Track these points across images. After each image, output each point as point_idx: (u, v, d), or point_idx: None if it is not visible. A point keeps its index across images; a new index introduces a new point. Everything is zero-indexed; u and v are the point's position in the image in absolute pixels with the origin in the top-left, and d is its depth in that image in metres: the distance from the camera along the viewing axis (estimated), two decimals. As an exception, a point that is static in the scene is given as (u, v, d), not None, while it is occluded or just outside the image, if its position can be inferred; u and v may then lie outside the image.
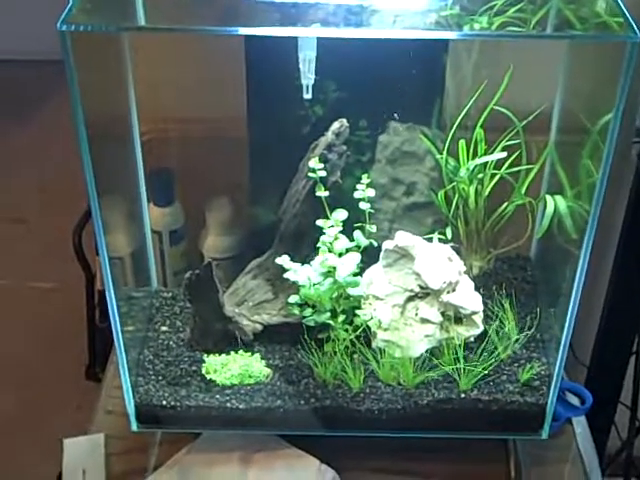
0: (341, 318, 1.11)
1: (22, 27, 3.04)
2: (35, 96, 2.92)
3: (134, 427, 1.14)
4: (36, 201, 2.58)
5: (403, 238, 1.11)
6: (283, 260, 1.10)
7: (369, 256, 1.14)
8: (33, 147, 2.79)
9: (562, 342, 1.07)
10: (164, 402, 1.11)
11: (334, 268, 1.09)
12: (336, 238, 1.10)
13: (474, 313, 1.12)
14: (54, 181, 2.48)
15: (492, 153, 1.14)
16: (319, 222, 1.09)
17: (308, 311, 1.11)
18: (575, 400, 1.23)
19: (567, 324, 1.05)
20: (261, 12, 0.92)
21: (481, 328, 1.14)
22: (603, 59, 0.95)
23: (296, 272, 1.10)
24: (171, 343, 1.19)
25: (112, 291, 1.04)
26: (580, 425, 1.22)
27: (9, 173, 2.70)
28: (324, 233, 1.10)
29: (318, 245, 1.10)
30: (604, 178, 0.94)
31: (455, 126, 1.14)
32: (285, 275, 1.10)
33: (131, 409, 1.12)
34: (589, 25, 0.92)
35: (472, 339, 1.14)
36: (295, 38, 0.99)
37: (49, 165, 2.57)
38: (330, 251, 1.10)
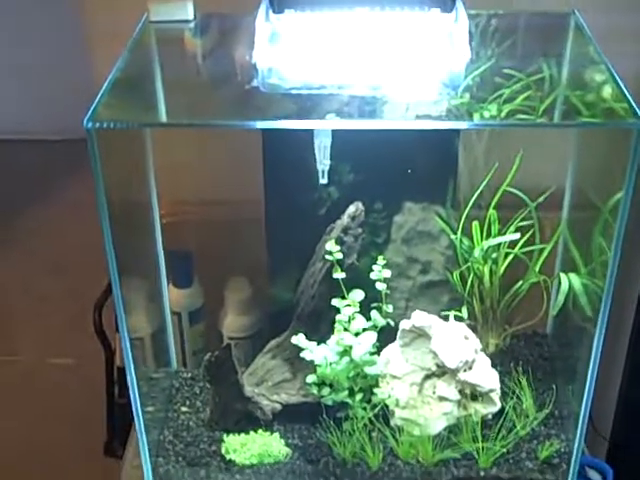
0: (359, 397, 1.12)
1: (35, 107, 3.11)
2: (51, 176, 2.98)
3: (154, 507, 1.15)
4: (56, 280, 2.61)
5: (420, 318, 1.13)
6: (299, 339, 1.11)
7: (386, 335, 1.15)
8: (51, 227, 2.82)
9: (580, 419, 1.07)
10: (184, 482, 1.12)
11: (350, 347, 1.10)
12: (353, 318, 1.11)
13: (491, 391, 1.13)
14: (73, 260, 2.51)
15: (505, 232, 1.16)
16: (335, 302, 1.11)
17: (326, 390, 1.12)
18: (596, 476, 1.22)
19: (585, 400, 1.05)
20: (278, 103, 0.96)
21: (499, 405, 1.14)
22: (610, 143, 0.98)
23: (312, 351, 1.11)
24: (191, 423, 1.20)
25: (133, 372, 1.06)
26: (602, 501, 1.22)
27: (27, 252, 2.74)
28: (340, 313, 1.12)
29: (335, 325, 1.11)
30: (616, 256, 0.96)
31: (469, 207, 1.16)
32: (301, 354, 1.11)
33: (151, 490, 1.13)
34: (596, 111, 0.95)
35: (490, 416, 1.14)
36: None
37: (68, 244, 2.60)
38: (346, 330, 1.11)
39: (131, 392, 1.07)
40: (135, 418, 1.09)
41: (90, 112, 0.88)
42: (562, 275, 1.14)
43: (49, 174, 3.00)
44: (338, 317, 1.11)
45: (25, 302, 2.55)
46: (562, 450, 1.13)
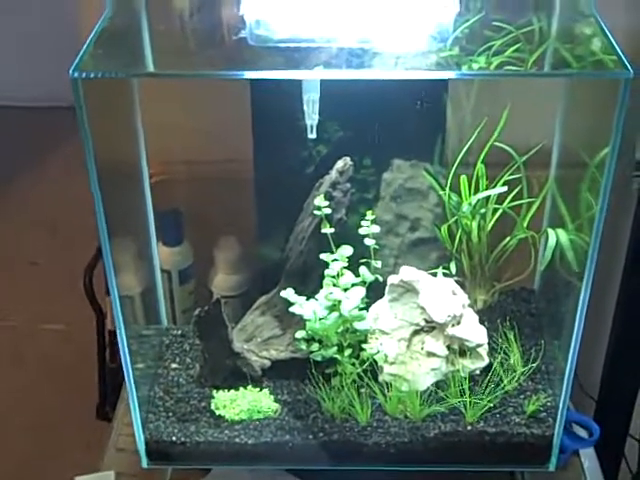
0: (348, 352, 1.13)
1: (36, 74, 3.10)
2: (49, 142, 2.97)
3: (144, 464, 1.15)
4: (48, 243, 2.61)
5: (408, 273, 1.13)
6: (288, 293, 1.12)
7: (375, 291, 1.15)
8: (46, 190, 2.83)
9: (566, 373, 1.08)
10: (174, 438, 1.12)
11: (339, 302, 1.10)
12: (341, 274, 1.12)
13: (479, 346, 1.14)
14: (66, 223, 2.51)
15: (494, 187, 1.17)
16: (323, 256, 1.11)
17: (315, 346, 1.13)
18: (583, 432, 1.23)
19: (571, 355, 1.06)
20: (266, 56, 0.95)
21: (486, 361, 1.15)
22: (599, 95, 0.97)
23: (301, 306, 1.11)
24: (181, 380, 1.20)
25: (123, 329, 1.06)
26: (588, 458, 1.23)
27: (19, 217, 2.74)
28: (329, 267, 1.12)
29: (324, 280, 1.12)
30: (602, 212, 0.96)
31: (457, 163, 1.16)
32: (291, 309, 1.12)
33: (141, 446, 1.14)
34: (585, 63, 0.95)
35: (478, 372, 1.15)
36: (299, 81, 1.02)
37: (61, 207, 2.60)
38: (335, 285, 1.11)
39: (121, 349, 1.07)
40: (125, 374, 1.09)
41: (76, 61, 0.87)
42: (550, 230, 1.14)
43: (42, 141, 3.00)
44: (327, 272, 1.11)
45: (16, 267, 2.55)
46: (549, 404, 1.13)
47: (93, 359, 1.82)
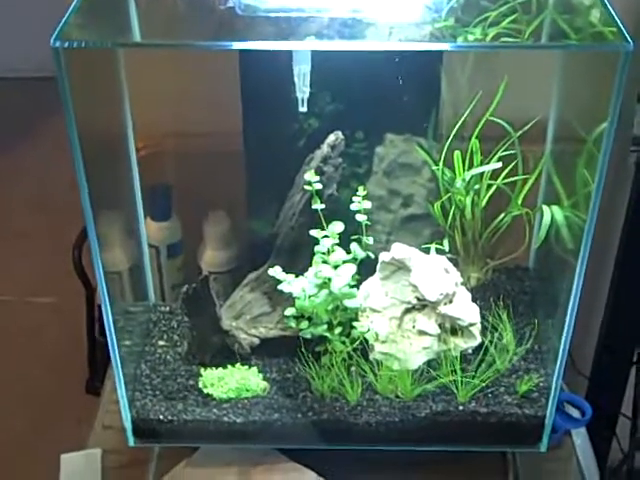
0: (338, 330, 1.11)
1: (30, 45, 3.06)
2: (40, 113, 2.94)
3: (131, 442, 1.14)
4: (37, 216, 2.59)
5: (399, 250, 1.11)
6: (276, 271, 1.10)
7: (366, 268, 1.14)
8: (37, 163, 2.80)
9: (560, 353, 1.06)
10: (161, 416, 1.11)
11: (329, 279, 1.09)
12: (332, 250, 1.10)
13: (471, 325, 1.12)
14: (56, 197, 2.49)
15: (488, 163, 1.14)
16: (313, 232, 1.09)
17: (305, 324, 1.11)
18: (575, 412, 1.22)
19: (565, 335, 1.05)
20: (255, 26, 0.93)
21: (479, 340, 1.13)
22: (597, 68, 0.95)
23: (290, 283, 1.10)
24: (168, 357, 1.18)
25: (109, 306, 1.04)
26: (580, 437, 1.22)
27: (12, 189, 2.72)
28: (319, 244, 1.10)
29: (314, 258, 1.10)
30: (599, 187, 0.94)
31: (451, 137, 1.14)
32: (279, 287, 1.10)
33: (128, 424, 1.12)
34: (583, 35, 0.92)
35: (470, 351, 1.13)
36: (290, 52, 0.99)
37: (51, 181, 2.58)
38: (325, 262, 1.09)
39: (106, 326, 1.05)
40: (111, 351, 1.07)
41: (57, 30, 0.84)
42: (545, 207, 1.12)
43: (33, 113, 2.97)
44: (317, 248, 1.09)
45: (5, 240, 2.53)
46: (541, 385, 1.12)
47: (84, 333, 1.81)
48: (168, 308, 1.26)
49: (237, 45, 0.86)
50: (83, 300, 1.77)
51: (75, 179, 0.95)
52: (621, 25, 0.86)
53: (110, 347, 1.07)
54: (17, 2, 3.09)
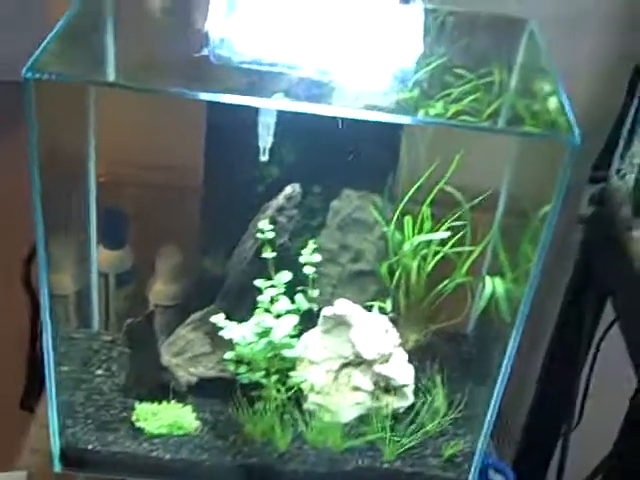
0: (274, 378, 1.12)
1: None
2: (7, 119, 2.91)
3: (57, 468, 1.13)
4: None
5: (342, 306, 1.13)
6: (218, 319, 1.11)
7: (310, 319, 1.15)
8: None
9: (486, 420, 1.09)
10: (90, 446, 1.10)
11: (270, 329, 1.10)
12: (276, 299, 1.11)
13: (405, 385, 1.14)
14: (10, 206, 2.47)
15: (438, 230, 1.17)
16: (258, 282, 1.11)
17: (243, 368, 1.12)
18: (499, 478, 1.24)
19: (492, 404, 1.07)
20: (227, 76, 0.95)
21: (411, 400, 1.15)
22: (547, 153, 0.99)
23: (231, 330, 1.10)
24: (105, 387, 1.18)
25: (50, 329, 1.04)
26: (503, 504, 1.24)
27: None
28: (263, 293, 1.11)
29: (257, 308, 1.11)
30: (538, 265, 0.97)
31: (403, 202, 1.17)
32: (220, 332, 1.11)
33: (56, 450, 1.11)
34: (539, 121, 0.96)
35: (401, 410, 1.15)
36: (257, 103, 1.01)
37: (6, 189, 2.55)
38: (267, 311, 1.11)
39: (45, 350, 1.05)
40: (47, 377, 1.07)
41: (31, 61, 0.85)
42: (487, 278, 1.15)
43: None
44: (260, 298, 1.11)
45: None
46: (467, 450, 1.14)
47: (24, 347, 1.79)
48: (110, 337, 1.26)
49: (204, 96, 0.88)
50: (26, 313, 1.75)
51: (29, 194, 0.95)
52: (571, 117, 0.89)
53: (46, 372, 1.07)
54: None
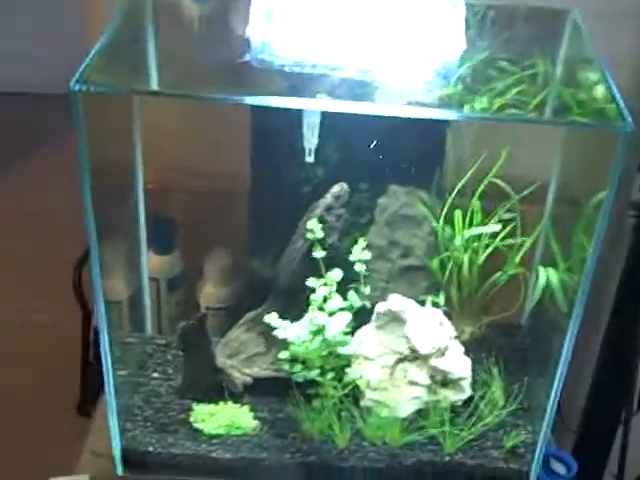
0: (330, 376, 1.12)
1: (29, 61, 3.08)
2: (41, 130, 2.95)
3: (120, 471, 1.15)
4: (36, 235, 2.60)
5: (395, 302, 1.13)
6: (271, 318, 1.11)
7: (363, 316, 1.15)
8: (39, 181, 2.81)
9: (548, 411, 1.08)
10: (151, 448, 1.12)
11: (323, 327, 1.10)
12: (329, 297, 1.11)
13: (462, 378, 1.14)
14: (56, 216, 2.50)
15: (488, 223, 1.16)
16: (310, 281, 1.11)
17: (298, 367, 1.13)
18: (561, 467, 1.23)
19: (553, 393, 1.07)
20: (269, 79, 0.95)
21: (468, 393, 1.15)
22: (598, 142, 0.97)
23: (285, 329, 1.11)
24: (161, 390, 1.20)
25: (106, 334, 1.06)
26: (564, 493, 1.23)
27: (12, 204, 2.73)
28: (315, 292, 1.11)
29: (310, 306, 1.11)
30: (595, 254, 0.96)
31: (452, 196, 1.16)
32: (274, 332, 1.11)
33: (118, 453, 1.13)
34: (586, 110, 0.95)
35: (459, 403, 1.15)
36: (301, 105, 1.01)
37: (53, 199, 2.59)
38: (321, 309, 1.11)
39: (103, 355, 1.07)
40: (105, 381, 1.09)
41: (77, 74, 0.86)
42: (540, 269, 1.14)
43: (46, 128, 2.98)
44: (313, 296, 1.11)
45: (6, 258, 2.54)
46: (528, 440, 1.14)
47: (78, 354, 1.82)
48: (164, 341, 1.28)
49: (249, 100, 0.88)
50: (78, 320, 1.78)
51: (75, 198, 0.96)
52: (622, 104, 0.88)
53: (105, 376, 1.08)
54: (29, 18, 3.11)
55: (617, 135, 0.86)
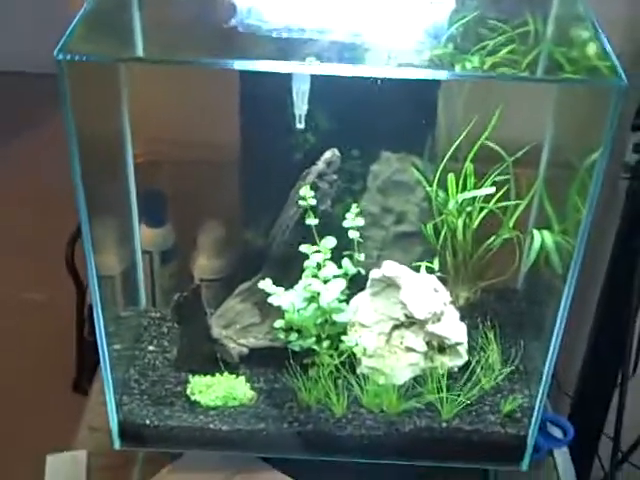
0: (326, 344, 1.12)
1: (24, 40, 3.06)
2: (36, 108, 2.93)
3: (117, 445, 1.15)
4: (30, 213, 2.59)
5: (390, 268, 1.12)
6: (265, 284, 1.11)
7: (357, 284, 1.15)
8: (31, 160, 2.80)
9: (544, 375, 1.08)
10: (148, 421, 1.12)
11: (318, 294, 1.10)
12: (323, 265, 1.11)
13: (458, 344, 1.13)
14: (49, 194, 2.49)
15: (482, 187, 1.16)
16: (303, 248, 1.10)
17: (293, 336, 1.12)
18: (557, 432, 1.23)
19: (549, 357, 1.06)
20: (257, 44, 0.94)
21: (465, 358, 1.15)
22: (591, 101, 0.97)
23: (279, 296, 1.11)
24: (157, 363, 1.20)
25: (100, 310, 1.05)
26: (562, 457, 1.23)
27: (4, 185, 2.72)
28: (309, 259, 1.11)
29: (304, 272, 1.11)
30: (589, 214, 0.96)
31: (445, 159, 1.15)
32: (269, 299, 1.11)
33: (115, 427, 1.13)
34: (579, 68, 0.94)
35: (456, 369, 1.15)
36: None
37: (45, 178, 2.58)
38: (315, 277, 1.11)
39: (97, 329, 1.06)
40: (101, 355, 1.08)
41: (61, 43, 0.85)
42: (535, 232, 1.14)
43: (31, 107, 2.97)
44: (306, 263, 1.10)
45: (2, 238, 2.53)
46: (525, 405, 1.14)
47: (73, 330, 1.81)
48: (159, 314, 1.27)
49: (238, 64, 0.87)
50: (73, 298, 1.77)
51: (68, 177, 0.96)
52: (615, 60, 0.87)
53: (100, 351, 1.08)
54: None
55: (610, 91, 0.85)
